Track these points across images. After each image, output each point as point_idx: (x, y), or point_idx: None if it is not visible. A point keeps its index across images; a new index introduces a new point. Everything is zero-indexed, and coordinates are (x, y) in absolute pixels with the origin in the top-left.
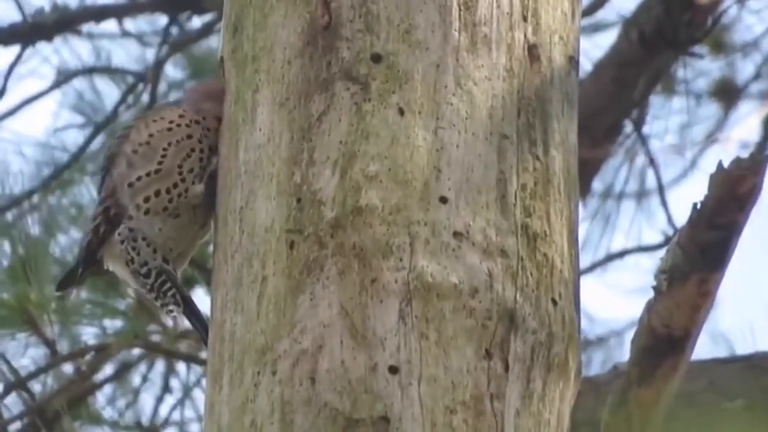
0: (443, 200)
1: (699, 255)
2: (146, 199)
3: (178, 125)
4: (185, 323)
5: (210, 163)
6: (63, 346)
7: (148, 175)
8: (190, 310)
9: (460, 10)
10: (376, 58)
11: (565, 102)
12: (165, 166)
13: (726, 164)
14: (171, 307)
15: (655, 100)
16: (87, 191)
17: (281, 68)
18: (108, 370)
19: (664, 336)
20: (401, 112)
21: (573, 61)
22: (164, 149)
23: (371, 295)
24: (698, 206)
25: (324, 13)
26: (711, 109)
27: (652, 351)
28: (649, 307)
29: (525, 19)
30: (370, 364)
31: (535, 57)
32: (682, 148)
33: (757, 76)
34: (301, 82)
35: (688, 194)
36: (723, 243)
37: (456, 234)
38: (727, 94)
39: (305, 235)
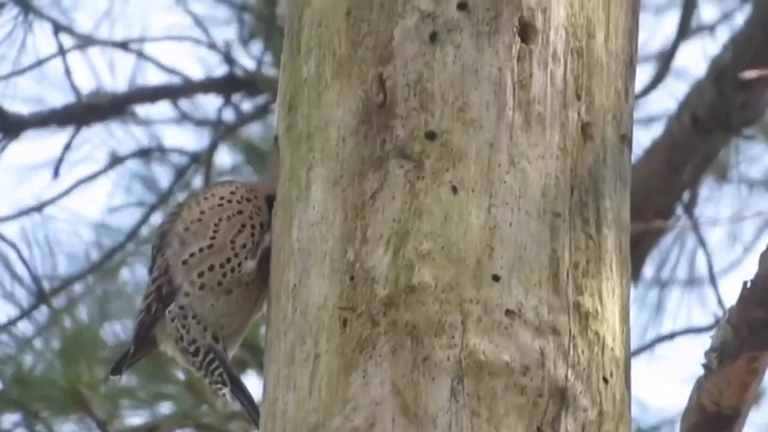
0: (496, 278)
1: (749, 333)
2: (200, 275)
3: (229, 201)
4: (235, 404)
5: (263, 240)
6: (114, 429)
7: (201, 250)
8: (239, 389)
9: (514, 88)
10: (431, 136)
11: (617, 180)
12: (217, 241)
13: None
14: (219, 386)
15: (707, 186)
16: (140, 272)
17: (336, 146)
18: None
19: (714, 414)
20: (455, 190)
21: (626, 139)
22: (216, 224)
23: (423, 372)
24: (748, 284)
25: (379, 91)
26: (764, 198)
27: (702, 429)
28: (699, 384)
29: (579, 97)
30: None
31: (589, 135)
32: (735, 226)
33: None
34: (355, 160)
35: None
36: None
37: (508, 312)
38: None
39: (358, 313)
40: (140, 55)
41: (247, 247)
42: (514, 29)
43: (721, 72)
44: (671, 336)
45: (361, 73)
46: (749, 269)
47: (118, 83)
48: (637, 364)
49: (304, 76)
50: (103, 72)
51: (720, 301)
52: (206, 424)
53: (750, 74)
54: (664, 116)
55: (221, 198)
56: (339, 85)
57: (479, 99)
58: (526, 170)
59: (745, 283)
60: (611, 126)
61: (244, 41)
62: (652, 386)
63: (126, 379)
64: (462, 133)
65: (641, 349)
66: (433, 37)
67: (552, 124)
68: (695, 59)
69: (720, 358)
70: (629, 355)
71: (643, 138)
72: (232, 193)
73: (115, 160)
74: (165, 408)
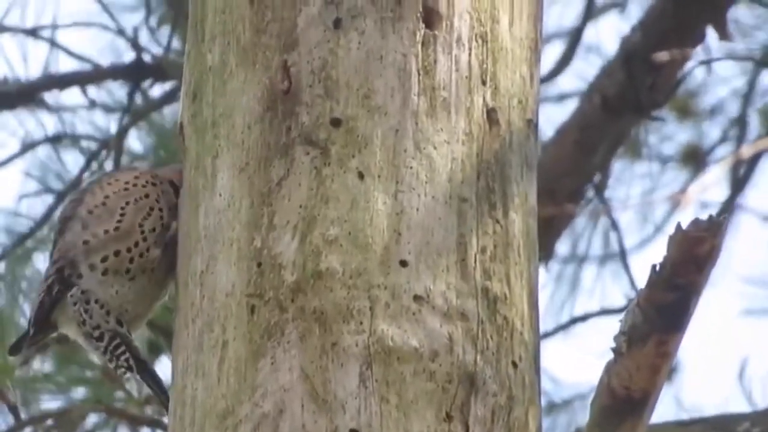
0: (403, 264)
1: (658, 316)
2: (104, 259)
3: (134, 185)
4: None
5: (169, 227)
6: (26, 414)
7: (105, 233)
8: (146, 373)
9: (419, 74)
10: (336, 123)
11: (524, 165)
12: (124, 225)
13: (685, 225)
14: (124, 371)
15: (619, 165)
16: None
17: (241, 133)
18: None
19: (624, 397)
20: (361, 176)
21: (532, 124)
22: (122, 208)
23: (332, 358)
24: (657, 267)
25: (284, 78)
26: (676, 175)
27: (612, 412)
28: (609, 368)
29: (484, 83)
30: (331, 427)
31: (494, 120)
32: (646, 209)
33: (723, 140)
34: (260, 147)
35: (654, 258)
36: (682, 304)
37: (416, 297)
38: (694, 159)
39: (266, 300)
40: (49, 42)
41: (156, 231)
42: (418, 15)
43: (630, 53)
44: (584, 318)
45: (265, 60)
46: (661, 249)
47: (27, 71)
48: (551, 341)
49: (209, 64)
50: (14, 59)
51: (632, 282)
52: (119, 409)
53: (662, 56)
54: (575, 96)
55: (126, 183)
56: (244, 73)
57: (384, 85)
58: (432, 156)
59: (653, 266)
60: (517, 111)
61: (152, 27)
62: (565, 362)
63: (41, 365)
64: (367, 119)
65: (556, 330)
66: (337, 23)
67: (457, 110)
68: (606, 39)
69: (629, 341)
70: (538, 339)
71: (556, 115)
72: (137, 177)
73: (26, 147)
74: (80, 393)
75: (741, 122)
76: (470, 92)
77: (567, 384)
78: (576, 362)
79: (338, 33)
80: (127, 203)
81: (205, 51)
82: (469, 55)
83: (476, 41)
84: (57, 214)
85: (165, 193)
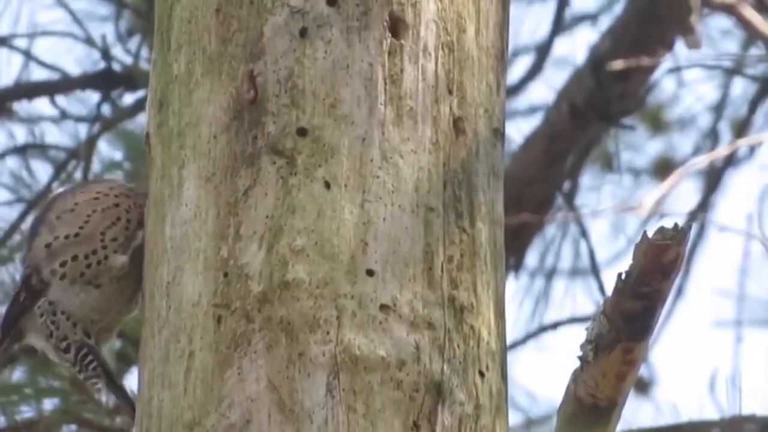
0: (370, 273)
1: (624, 324)
2: (62, 264)
3: (106, 195)
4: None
5: (135, 237)
6: None
7: (66, 237)
8: (113, 384)
9: (385, 83)
10: (302, 132)
11: (491, 174)
12: (86, 230)
13: (650, 234)
14: (94, 380)
15: (589, 177)
16: (19, 268)
17: (207, 143)
18: None
19: (590, 405)
20: (327, 185)
21: (498, 133)
22: (88, 215)
23: (299, 368)
24: (623, 275)
25: (250, 87)
26: (648, 188)
27: (578, 420)
28: (575, 376)
29: (450, 92)
30: None
31: (461, 130)
32: (603, 217)
33: (695, 152)
34: (227, 157)
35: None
36: (648, 312)
37: (383, 307)
38: (666, 172)
39: (232, 310)
40: (19, 51)
41: (118, 240)
42: (385, 24)
43: (599, 61)
44: (555, 326)
45: (231, 70)
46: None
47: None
48: (525, 355)
49: (175, 74)
50: None
51: (603, 292)
52: (89, 419)
53: (617, 65)
54: (544, 107)
55: (98, 192)
56: (210, 82)
57: (350, 95)
58: (398, 165)
59: (619, 274)
60: (483, 120)
61: (122, 37)
62: (540, 377)
63: (9, 375)
64: (334, 128)
65: (526, 339)
66: (303, 32)
67: (424, 119)
68: (577, 49)
69: (595, 349)
70: (505, 347)
71: (525, 128)
72: (111, 188)
73: None
74: (50, 404)
75: (713, 134)
76: (437, 101)
77: (543, 399)
78: (552, 375)
79: (304, 42)
80: (94, 211)
81: (171, 60)
82: (436, 64)
83: (442, 50)
84: (24, 225)
85: (138, 206)
